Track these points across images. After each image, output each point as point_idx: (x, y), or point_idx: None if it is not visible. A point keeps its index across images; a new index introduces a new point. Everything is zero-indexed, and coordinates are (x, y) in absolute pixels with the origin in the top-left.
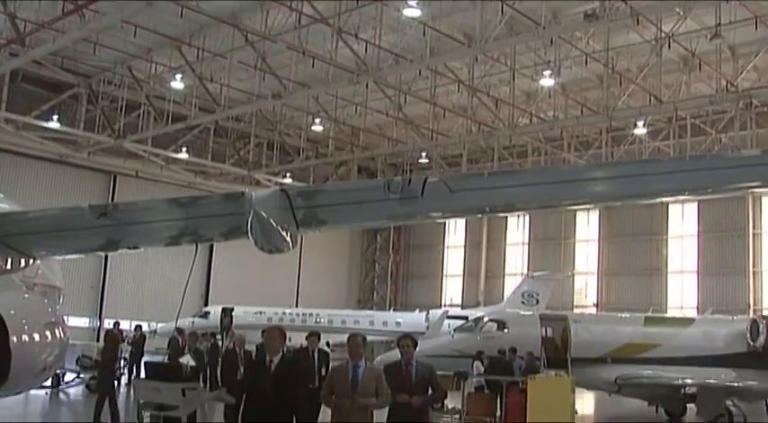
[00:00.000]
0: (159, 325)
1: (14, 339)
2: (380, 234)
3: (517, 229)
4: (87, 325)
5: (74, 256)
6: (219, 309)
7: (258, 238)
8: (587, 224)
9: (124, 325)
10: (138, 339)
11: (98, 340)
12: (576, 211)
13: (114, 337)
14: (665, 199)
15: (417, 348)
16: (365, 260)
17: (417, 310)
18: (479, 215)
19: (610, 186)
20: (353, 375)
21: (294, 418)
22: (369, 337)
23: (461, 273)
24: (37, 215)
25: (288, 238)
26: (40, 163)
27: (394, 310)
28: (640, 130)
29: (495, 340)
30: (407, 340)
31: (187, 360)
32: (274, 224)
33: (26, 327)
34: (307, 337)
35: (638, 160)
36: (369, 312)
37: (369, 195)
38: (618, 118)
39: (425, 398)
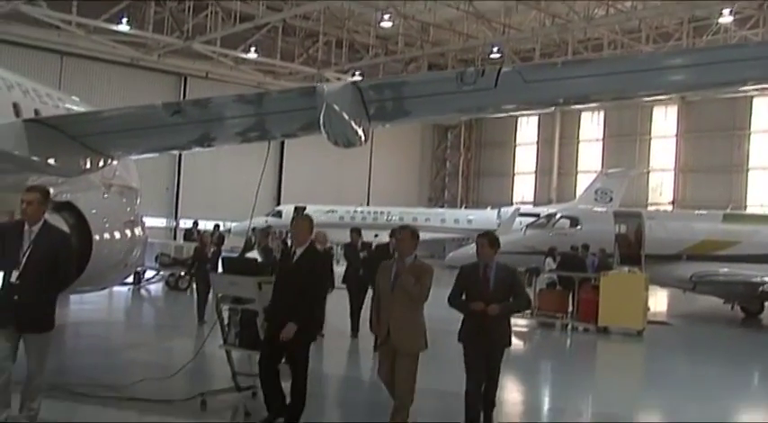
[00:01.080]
0: (233, 224)
1: (96, 237)
2: (451, 131)
3: (591, 124)
4: (164, 225)
5: (148, 156)
6: (292, 208)
7: (331, 133)
8: (665, 119)
9: (200, 224)
10: (217, 238)
11: (175, 239)
12: (653, 103)
13: (203, 236)
14: (749, 88)
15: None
16: (436, 158)
17: (489, 208)
18: (552, 108)
19: (690, 74)
20: (393, 269)
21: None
22: (440, 235)
23: (533, 170)
24: (112, 115)
25: (360, 132)
26: (112, 67)
27: (465, 207)
28: (726, 18)
29: (567, 237)
30: (484, 239)
31: (255, 256)
32: (347, 118)
33: (106, 225)
34: (350, 233)
35: (721, 45)
36: (440, 210)
37: (441, 87)
38: (701, 6)
39: (505, 306)
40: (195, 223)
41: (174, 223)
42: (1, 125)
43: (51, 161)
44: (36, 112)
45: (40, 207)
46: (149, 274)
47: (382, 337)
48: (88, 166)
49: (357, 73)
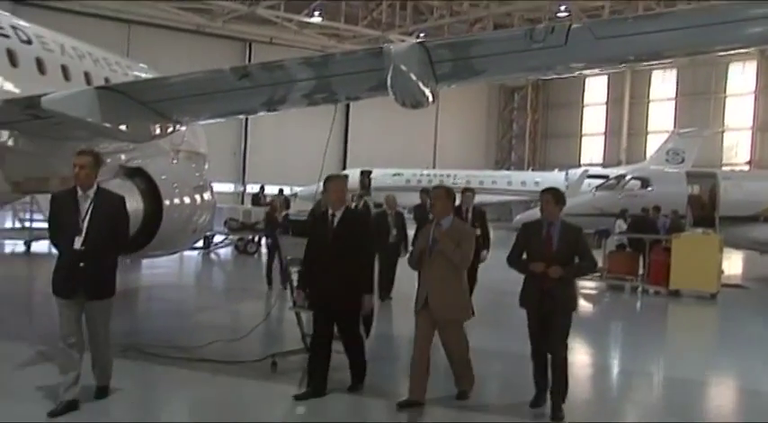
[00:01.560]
0: (299, 189)
1: (167, 202)
2: (518, 92)
3: (662, 82)
4: (232, 190)
5: (215, 121)
6: (357, 171)
7: (398, 94)
8: (742, 75)
9: (266, 189)
10: (283, 202)
11: (242, 204)
12: (729, 59)
13: (274, 201)
14: None
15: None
16: (502, 120)
17: (556, 170)
18: (623, 65)
19: None
20: (435, 235)
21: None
22: (507, 198)
23: (602, 131)
24: (181, 80)
25: (427, 92)
26: (177, 34)
27: (532, 170)
28: None
29: (638, 198)
30: (548, 194)
31: None
32: (414, 78)
33: (176, 190)
34: (420, 194)
35: None
36: (506, 173)
37: (510, 46)
38: None
39: (569, 268)
40: (262, 188)
41: (242, 188)
42: (75, 93)
43: (123, 127)
44: (106, 79)
45: (93, 171)
46: (218, 238)
47: (420, 304)
48: (157, 131)
49: (422, 35)
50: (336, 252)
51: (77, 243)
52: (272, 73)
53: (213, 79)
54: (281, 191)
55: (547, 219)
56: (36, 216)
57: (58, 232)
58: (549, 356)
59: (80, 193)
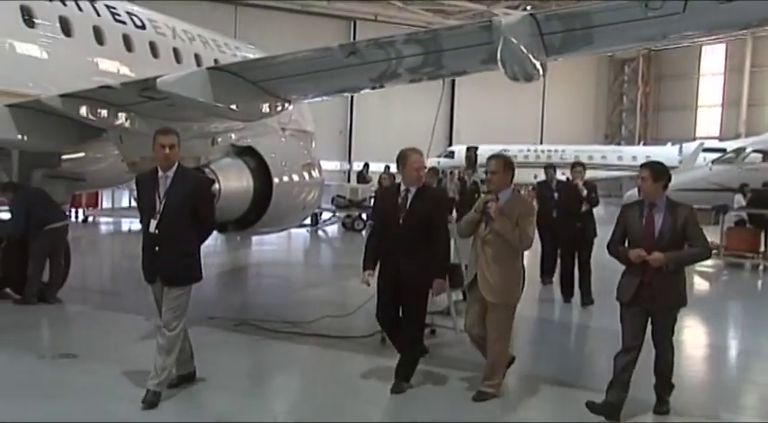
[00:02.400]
0: None
1: (276, 180)
2: (628, 64)
3: None
4: (338, 168)
5: (321, 99)
6: (464, 148)
7: (508, 67)
8: None
9: (372, 167)
10: (391, 179)
11: (348, 182)
12: None
13: (382, 178)
14: None
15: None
16: (612, 93)
17: (669, 144)
18: (745, 31)
19: None
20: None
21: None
22: (617, 173)
23: (719, 102)
24: (289, 59)
25: (538, 65)
26: (283, 14)
27: (643, 144)
28: None
29: (759, 172)
30: (646, 170)
31: None
32: (524, 51)
33: (285, 168)
34: (545, 170)
35: None
36: (617, 147)
37: (624, 15)
38: None
39: (675, 255)
40: (366, 165)
41: (348, 166)
42: (188, 74)
43: (233, 107)
44: (215, 61)
45: (178, 150)
46: (326, 215)
47: (469, 280)
48: (267, 110)
49: (528, 8)
50: (407, 232)
51: (152, 226)
52: (380, 49)
53: (322, 57)
54: (387, 168)
55: (647, 199)
56: None
57: (141, 215)
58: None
59: (161, 173)
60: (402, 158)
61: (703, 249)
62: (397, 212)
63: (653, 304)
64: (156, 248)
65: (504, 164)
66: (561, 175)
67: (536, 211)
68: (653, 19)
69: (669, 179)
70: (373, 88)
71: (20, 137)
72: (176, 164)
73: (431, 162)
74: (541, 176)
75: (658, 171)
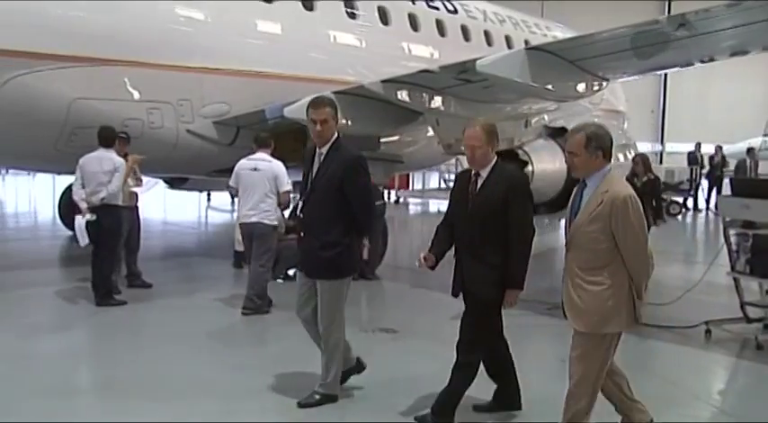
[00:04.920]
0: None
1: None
2: None
3: None
4: (649, 149)
5: (636, 78)
6: None
7: None
8: None
9: (685, 147)
10: (720, 161)
11: (660, 164)
12: None
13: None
14: None
15: None
16: None
17: None
18: None
19: None
20: (579, 197)
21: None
22: None
23: None
24: (611, 35)
25: None
26: None
27: None
28: None
29: None
30: None
31: None
32: None
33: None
34: None
35: None
36: None
37: None
38: None
39: None
40: (698, 146)
41: (660, 147)
42: (506, 55)
43: (549, 87)
44: (526, 42)
45: (333, 124)
46: None
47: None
48: (583, 89)
49: None
50: (473, 227)
51: (299, 209)
52: (715, 20)
53: (645, 32)
54: (718, 147)
55: None
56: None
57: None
58: None
59: (318, 150)
60: (465, 132)
61: None
62: (466, 203)
63: None
64: (302, 234)
65: (588, 139)
66: None
67: None
68: None
69: None
70: (701, 63)
71: (344, 122)
72: (333, 139)
73: (753, 142)
74: None
75: None
